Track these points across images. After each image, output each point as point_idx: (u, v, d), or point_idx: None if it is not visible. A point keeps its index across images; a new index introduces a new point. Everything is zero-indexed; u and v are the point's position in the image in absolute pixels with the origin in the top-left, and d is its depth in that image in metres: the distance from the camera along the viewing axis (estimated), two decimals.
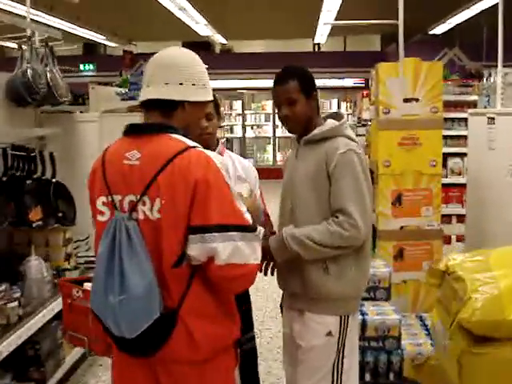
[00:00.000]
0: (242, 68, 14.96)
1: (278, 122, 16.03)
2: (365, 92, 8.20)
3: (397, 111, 4.15)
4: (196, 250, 1.81)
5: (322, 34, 12.22)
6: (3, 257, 3.92)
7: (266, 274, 2.57)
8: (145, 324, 1.79)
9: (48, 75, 4.06)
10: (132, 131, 1.96)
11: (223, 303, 1.94)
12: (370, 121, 6.56)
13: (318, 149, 2.49)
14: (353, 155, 2.43)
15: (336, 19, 9.93)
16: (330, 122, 2.57)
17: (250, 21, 12.09)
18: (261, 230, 1.93)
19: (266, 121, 16.41)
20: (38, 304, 3.54)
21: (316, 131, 2.53)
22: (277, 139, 16.28)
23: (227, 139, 14.39)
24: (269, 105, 16.04)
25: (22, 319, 3.31)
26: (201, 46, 15.06)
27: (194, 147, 1.88)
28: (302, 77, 2.53)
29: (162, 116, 1.95)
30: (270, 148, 16.46)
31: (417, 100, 4.12)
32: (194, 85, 1.97)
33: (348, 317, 2.51)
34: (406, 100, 4.10)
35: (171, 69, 1.95)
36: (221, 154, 2.94)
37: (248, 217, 1.91)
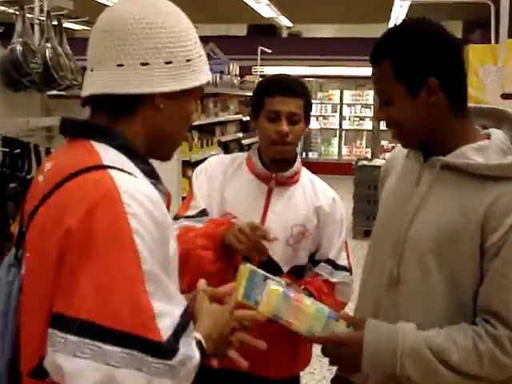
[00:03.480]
0: (308, 54, 13.96)
1: (345, 113, 15.11)
2: None
3: None
4: (48, 358, 1.02)
5: (397, 18, 11.10)
6: None
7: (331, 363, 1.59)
8: None
9: (47, 53, 3.29)
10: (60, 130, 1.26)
11: None
12: None
13: (468, 189, 1.44)
14: None
15: (413, 1, 8.81)
16: (498, 141, 1.46)
17: (317, 2, 11.11)
18: (192, 358, 1.08)
19: (332, 112, 15.38)
20: None
21: (474, 158, 1.42)
22: (343, 132, 15.23)
23: None
24: (336, 94, 15.12)
25: None
26: (266, 30, 14.24)
27: (108, 167, 1.09)
28: (401, 53, 1.43)
29: (113, 120, 1.19)
30: (335, 141, 15.47)
31: None
32: (169, 63, 1.17)
33: None
34: (506, 96, 3.08)
35: (127, 36, 1.16)
36: (297, 173, 2.07)
37: (167, 324, 1.04)
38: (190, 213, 2.01)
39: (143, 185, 1.11)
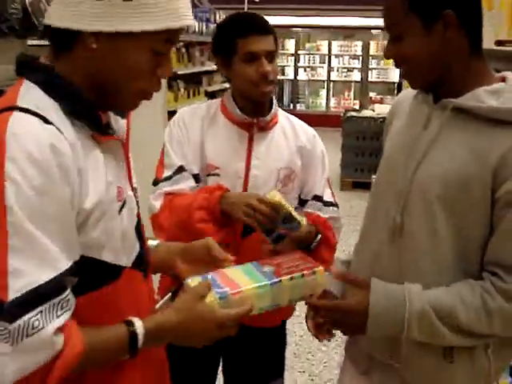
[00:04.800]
0: (296, 3, 13.66)
1: (334, 64, 14.91)
2: None
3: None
4: None
5: None
6: None
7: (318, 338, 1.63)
8: None
9: None
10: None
11: None
12: None
13: (480, 133, 1.35)
14: None
15: None
16: None
17: None
18: (41, 330, 0.98)
19: (320, 63, 15.13)
20: None
21: (488, 101, 1.34)
22: (331, 83, 15.02)
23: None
24: (324, 45, 14.86)
25: None
26: None
27: (17, 109, 1.05)
28: None
29: (55, 56, 1.17)
30: (323, 92, 15.30)
31: None
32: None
33: None
34: (500, 43, 3.01)
35: None
36: (275, 115, 2.03)
37: (21, 284, 0.96)
38: (167, 173, 1.95)
39: (43, 128, 1.04)
